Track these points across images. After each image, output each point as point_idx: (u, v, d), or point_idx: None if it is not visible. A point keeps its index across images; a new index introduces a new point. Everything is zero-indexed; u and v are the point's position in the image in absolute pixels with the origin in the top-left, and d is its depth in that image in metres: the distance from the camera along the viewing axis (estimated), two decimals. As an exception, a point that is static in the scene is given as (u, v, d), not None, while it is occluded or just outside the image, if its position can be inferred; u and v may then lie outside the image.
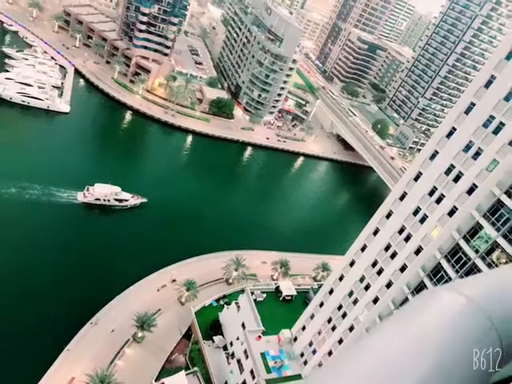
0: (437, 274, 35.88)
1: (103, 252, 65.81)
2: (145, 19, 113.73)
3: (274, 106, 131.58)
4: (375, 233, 43.65)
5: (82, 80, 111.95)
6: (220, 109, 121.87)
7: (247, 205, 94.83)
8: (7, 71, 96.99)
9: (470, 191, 35.31)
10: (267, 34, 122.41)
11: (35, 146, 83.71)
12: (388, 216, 42.53)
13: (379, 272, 42.16)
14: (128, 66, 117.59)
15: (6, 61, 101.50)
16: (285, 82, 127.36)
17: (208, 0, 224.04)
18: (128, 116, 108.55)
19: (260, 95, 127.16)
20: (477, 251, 32.92)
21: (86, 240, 67.08)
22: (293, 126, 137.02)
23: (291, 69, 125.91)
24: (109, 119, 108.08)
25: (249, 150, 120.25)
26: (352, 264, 45.85)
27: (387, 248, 41.88)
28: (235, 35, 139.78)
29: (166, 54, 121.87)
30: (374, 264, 42.87)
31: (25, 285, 55.87)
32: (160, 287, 62.02)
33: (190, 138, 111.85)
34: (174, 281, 62.76)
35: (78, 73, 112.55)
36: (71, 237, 66.86)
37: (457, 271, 34.06)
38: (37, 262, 59.64)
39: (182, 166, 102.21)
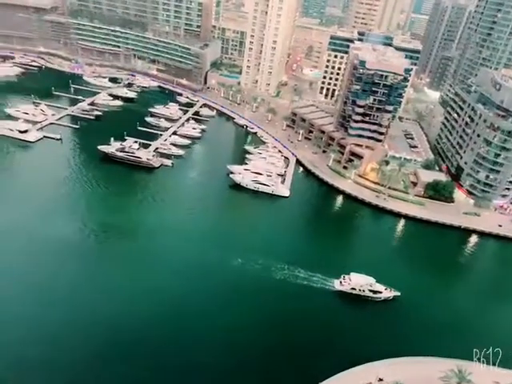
0: None
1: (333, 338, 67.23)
2: (360, 111, 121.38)
3: (507, 189, 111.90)
4: None
5: (301, 168, 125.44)
6: (437, 192, 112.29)
7: (474, 304, 79.22)
8: (246, 164, 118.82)
9: None
10: (496, 111, 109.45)
11: (266, 226, 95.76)
12: None
13: None
14: (342, 153, 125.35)
15: (246, 156, 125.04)
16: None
17: (424, 84, 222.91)
18: (340, 200, 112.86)
19: (488, 176, 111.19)
20: None
21: (326, 323, 70.15)
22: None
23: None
24: (322, 202, 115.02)
25: (473, 238, 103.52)
26: None
27: None
28: (456, 115, 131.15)
29: (379, 141, 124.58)
30: None
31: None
32: (364, 385, 56.24)
33: (402, 223, 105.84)
34: (380, 380, 55.99)
35: (298, 162, 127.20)
36: (323, 321, 70.69)
37: None
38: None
39: (399, 253, 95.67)
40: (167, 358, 59.57)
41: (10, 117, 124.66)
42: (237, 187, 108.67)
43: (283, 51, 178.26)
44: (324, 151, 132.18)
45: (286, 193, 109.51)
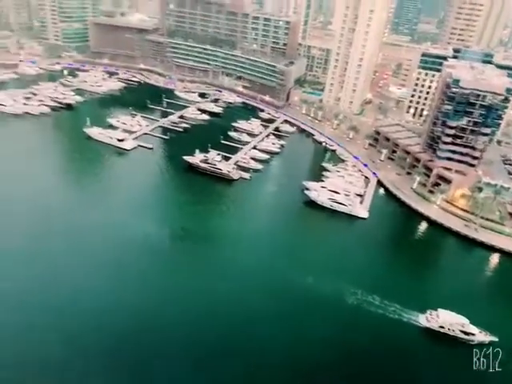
0: None
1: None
2: (451, 132, 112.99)
3: None
4: None
5: (381, 189, 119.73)
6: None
7: None
8: (323, 181, 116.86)
9: None
10: None
11: (340, 247, 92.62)
12: None
13: None
14: (428, 176, 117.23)
15: (324, 173, 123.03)
16: None
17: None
18: (423, 226, 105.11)
19: None
20: None
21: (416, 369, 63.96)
22: None
23: None
24: (403, 227, 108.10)
25: None
26: None
27: None
28: None
29: (472, 165, 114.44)
30: None
31: None
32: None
33: (496, 258, 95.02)
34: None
35: (379, 183, 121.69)
36: (399, 358, 65.29)
37: None
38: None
39: (494, 292, 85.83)
40: (214, 364, 59.83)
41: (111, 126, 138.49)
42: (311, 204, 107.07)
43: (369, 69, 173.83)
44: (408, 173, 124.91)
45: (365, 214, 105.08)
